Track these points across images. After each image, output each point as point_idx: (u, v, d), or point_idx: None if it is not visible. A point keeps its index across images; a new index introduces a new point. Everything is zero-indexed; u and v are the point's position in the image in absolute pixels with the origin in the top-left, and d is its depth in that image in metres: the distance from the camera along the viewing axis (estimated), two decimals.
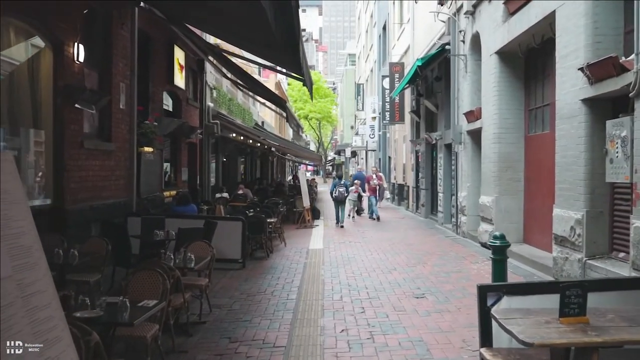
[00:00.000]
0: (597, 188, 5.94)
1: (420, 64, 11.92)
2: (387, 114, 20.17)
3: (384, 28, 24.55)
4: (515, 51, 8.80)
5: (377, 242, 10.84)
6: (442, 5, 11.74)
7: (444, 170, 13.11)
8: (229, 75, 14.17)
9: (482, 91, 9.97)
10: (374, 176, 16.33)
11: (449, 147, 12.70)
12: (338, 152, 55.91)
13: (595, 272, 5.68)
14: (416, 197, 17.06)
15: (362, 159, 38.57)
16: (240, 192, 14.94)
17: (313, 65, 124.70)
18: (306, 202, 14.25)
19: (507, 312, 2.80)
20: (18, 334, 2.01)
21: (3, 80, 5.92)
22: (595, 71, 5.55)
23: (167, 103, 11.94)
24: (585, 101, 5.98)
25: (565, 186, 6.46)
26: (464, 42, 11.01)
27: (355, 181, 15.62)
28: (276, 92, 13.49)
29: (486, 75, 9.61)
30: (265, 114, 30.28)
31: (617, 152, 5.13)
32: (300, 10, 6.61)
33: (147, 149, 9.66)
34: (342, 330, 4.99)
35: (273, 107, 16.77)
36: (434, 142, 13.92)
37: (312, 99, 9.55)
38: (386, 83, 20.26)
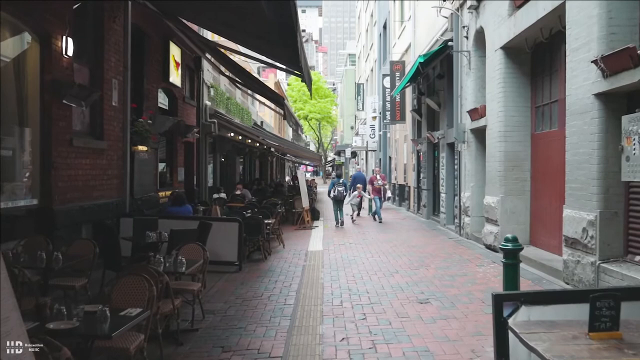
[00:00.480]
0: (611, 187, 5.64)
1: (422, 60, 11.62)
2: (388, 113, 19.87)
3: (385, 27, 24.27)
4: (522, 46, 8.50)
5: (378, 244, 10.53)
6: (444, 0, 11.45)
7: (447, 170, 12.80)
8: (226, 72, 13.89)
9: (486, 88, 9.67)
10: (378, 177, 15.66)
11: (451, 146, 12.40)
12: (338, 153, 55.55)
13: (610, 277, 5.37)
14: (417, 198, 16.75)
15: (362, 159, 38.27)
16: (238, 192, 14.63)
17: (313, 66, 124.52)
18: (305, 203, 13.94)
19: (527, 325, 2.50)
20: None
21: None
22: (611, 63, 5.25)
23: (163, 102, 11.65)
24: (599, 96, 5.68)
25: (576, 185, 6.16)
26: (467, 37, 10.71)
27: (358, 185, 15.20)
28: (276, 91, 13.17)
29: (491, 71, 9.31)
30: (264, 113, 30.00)
31: (634, 149, 4.82)
32: (300, 11, 6.33)
33: (141, 147, 9.37)
34: (343, 339, 4.68)
35: (272, 106, 16.47)
36: (436, 141, 13.62)
37: (311, 95, 9.27)
38: (387, 82, 19.97)
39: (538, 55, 8.49)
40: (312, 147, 63.12)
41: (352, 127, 47.51)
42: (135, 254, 7.03)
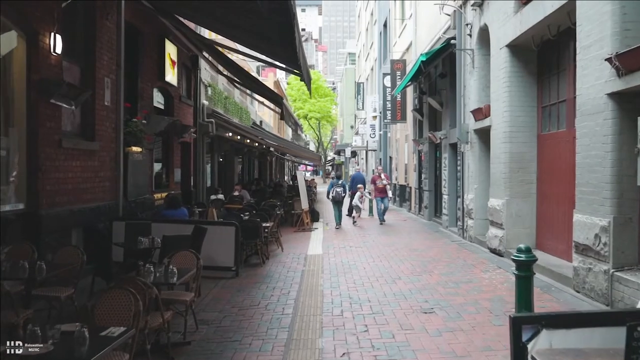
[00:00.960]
0: (625, 192, 5.36)
1: (424, 59, 11.34)
2: (389, 112, 19.59)
3: (385, 25, 23.99)
4: (528, 44, 8.23)
5: (379, 247, 10.26)
6: None
7: (449, 171, 12.53)
8: (224, 71, 13.62)
9: (491, 87, 9.40)
10: (382, 176, 14.85)
11: (454, 146, 12.12)
12: (338, 152, 55.26)
13: (624, 286, 5.10)
14: (419, 199, 16.48)
15: (362, 159, 37.98)
16: (236, 193, 14.36)
17: (313, 65, 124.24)
18: (305, 204, 13.66)
19: (552, 354, 2.22)
20: None
21: None
22: (626, 61, 4.97)
23: (159, 101, 11.37)
24: (613, 95, 5.40)
25: (587, 189, 5.88)
26: (470, 35, 10.43)
27: (359, 186, 14.87)
28: (275, 91, 12.90)
29: (495, 70, 9.03)
30: (263, 113, 29.71)
31: None
32: (299, 9, 6.10)
33: (135, 148, 9.08)
34: (343, 354, 4.41)
35: (272, 106, 16.19)
36: (438, 141, 13.34)
37: (310, 94, 8.97)
38: (387, 81, 19.69)
39: (545, 54, 8.22)
40: (312, 147, 62.84)
41: (352, 127, 47.21)
42: (127, 260, 6.76)
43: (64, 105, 6.58)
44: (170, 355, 4.41)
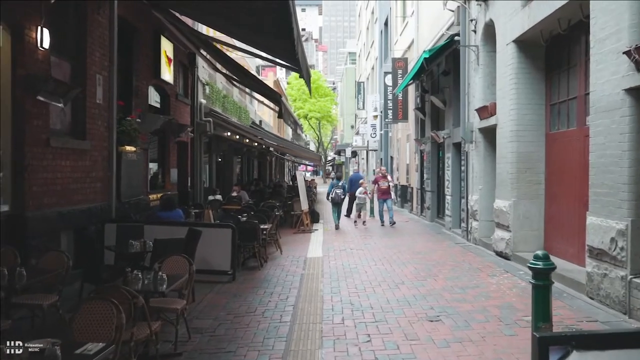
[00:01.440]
0: None
1: (427, 56, 11.03)
2: (390, 112, 19.28)
3: (386, 23, 23.69)
4: (536, 39, 7.92)
5: (381, 250, 9.95)
6: None
7: (452, 171, 12.22)
8: (221, 68, 13.31)
9: (497, 85, 9.09)
10: (389, 177, 14.33)
11: (457, 146, 11.82)
12: (338, 152, 54.97)
13: None
14: (421, 200, 16.16)
15: (363, 159, 37.68)
16: (235, 194, 14.06)
17: (313, 65, 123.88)
18: (304, 205, 13.35)
19: None
20: None
21: None
22: None
23: (155, 100, 11.08)
24: (630, 91, 5.10)
25: (602, 190, 5.58)
26: (475, 31, 10.12)
27: (361, 181, 14.51)
28: (272, 88, 12.55)
29: (502, 66, 8.72)
30: (263, 112, 29.42)
31: None
32: (299, 9, 5.81)
33: (129, 147, 8.78)
34: None
35: (271, 105, 15.88)
36: (441, 140, 13.03)
37: (310, 92, 8.71)
38: (388, 80, 19.37)
39: (554, 49, 7.91)
40: (312, 147, 62.53)
41: (352, 127, 46.90)
42: (118, 264, 6.47)
43: (52, 103, 6.28)
44: None
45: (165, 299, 4.82)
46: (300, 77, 7.64)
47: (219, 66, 13.35)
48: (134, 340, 3.71)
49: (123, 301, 3.63)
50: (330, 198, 14.26)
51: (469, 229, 10.58)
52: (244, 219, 9.34)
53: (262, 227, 8.90)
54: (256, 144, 19.14)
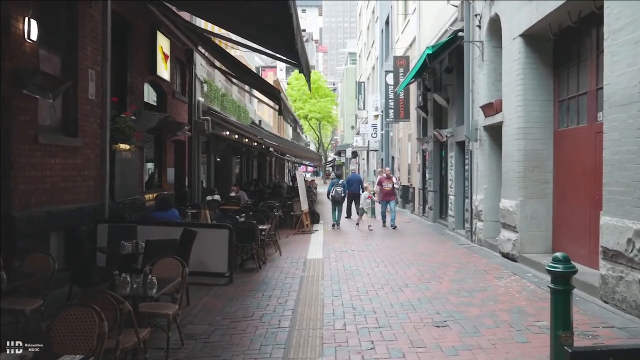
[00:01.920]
0: None
1: (430, 52, 10.75)
2: (391, 111, 19.01)
3: (387, 22, 23.45)
4: (544, 33, 7.64)
5: (383, 251, 9.67)
6: None
7: (456, 170, 11.94)
8: (218, 64, 13.03)
9: (502, 81, 8.81)
10: (394, 177, 13.87)
11: (461, 145, 11.54)
12: (338, 153, 54.68)
13: None
14: (423, 200, 15.89)
15: (364, 159, 37.40)
16: (233, 194, 13.78)
17: (313, 65, 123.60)
18: (304, 206, 13.08)
19: None
20: None
21: None
22: None
23: (152, 97, 10.81)
24: None
25: (618, 189, 5.30)
26: (480, 27, 9.85)
27: (367, 185, 14.24)
28: (271, 84, 12.21)
29: (508, 62, 8.45)
30: (263, 112, 29.15)
31: None
32: (299, 10, 5.56)
33: (123, 145, 8.52)
34: None
35: (271, 103, 15.60)
36: (444, 139, 12.75)
37: (310, 89, 8.48)
38: (390, 79, 19.11)
39: (562, 43, 7.64)
40: (312, 147, 62.24)
41: (352, 127, 46.65)
42: (109, 266, 6.19)
43: (40, 97, 6.01)
44: None
45: (156, 303, 4.55)
46: (300, 72, 7.37)
47: (217, 63, 13.09)
48: (120, 349, 3.44)
49: (108, 307, 3.36)
50: (330, 196, 14.28)
51: (474, 229, 10.29)
52: (242, 219, 9.07)
53: (260, 227, 8.62)
54: (256, 143, 18.87)
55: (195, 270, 6.78)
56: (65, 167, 6.83)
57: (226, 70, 12.11)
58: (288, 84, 51.34)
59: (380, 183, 13.71)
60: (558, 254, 3.31)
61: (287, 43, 5.86)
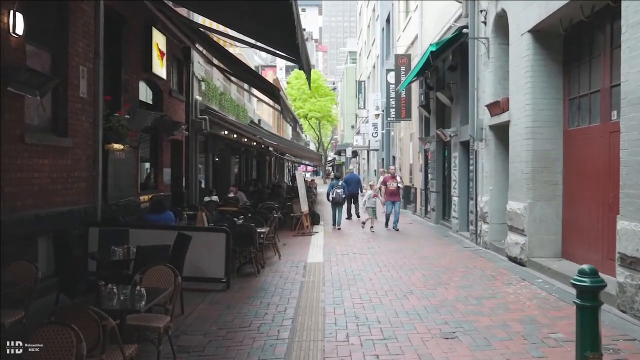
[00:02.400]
0: None
1: (434, 49, 10.46)
2: (392, 110, 18.71)
3: (388, 20, 23.14)
4: (555, 28, 7.35)
5: (386, 254, 9.37)
6: None
7: (460, 171, 11.64)
8: (216, 62, 12.72)
9: (510, 79, 8.51)
10: (398, 177, 13.45)
11: (465, 144, 11.24)
12: (338, 153, 54.39)
13: None
14: (425, 201, 15.60)
15: (364, 159, 37.10)
16: (232, 195, 13.49)
17: (313, 64, 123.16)
18: (304, 207, 12.78)
19: None
20: None
21: None
22: None
23: (148, 96, 10.51)
24: None
25: (637, 192, 5.01)
26: (485, 23, 9.55)
27: (371, 183, 13.91)
28: (270, 82, 11.85)
29: (516, 59, 8.15)
30: (262, 112, 28.84)
31: None
32: (299, 9, 5.29)
33: (116, 145, 8.23)
34: None
35: (271, 102, 15.30)
36: (447, 139, 12.45)
37: (309, 83, 8.18)
38: (391, 77, 18.80)
39: (573, 39, 7.34)
40: (312, 147, 61.94)
41: (352, 127, 46.35)
42: (100, 273, 5.89)
43: (26, 95, 5.71)
44: None
45: (146, 315, 4.24)
46: (300, 68, 7.08)
47: (215, 61, 12.78)
48: None
49: (89, 324, 3.07)
50: (330, 198, 14.12)
51: (478, 232, 10.00)
52: (240, 221, 8.77)
53: (259, 230, 8.32)
54: (255, 143, 18.56)
55: (190, 275, 6.50)
56: (55, 168, 6.53)
57: (224, 68, 11.79)
58: (288, 83, 51.03)
59: (384, 182, 13.22)
60: (585, 266, 3.01)
61: (288, 38, 5.58)
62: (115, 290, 3.78)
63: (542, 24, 7.30)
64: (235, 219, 9.03)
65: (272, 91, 8.96)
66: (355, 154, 40.37)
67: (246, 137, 15.83)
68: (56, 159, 6.57)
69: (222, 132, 14.27)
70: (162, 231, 6.84)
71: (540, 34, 7.58)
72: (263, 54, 7.80)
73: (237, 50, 17.24)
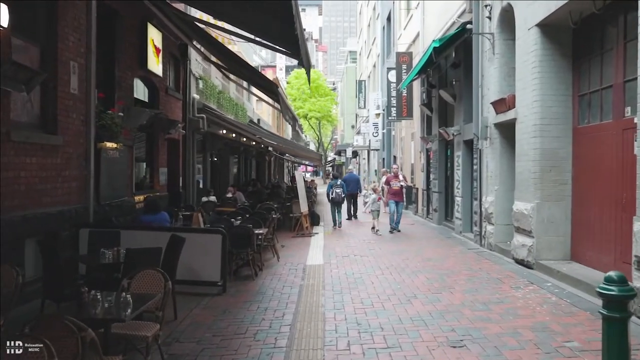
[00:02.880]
0: None
1: (437, 45, 10.18)
2: (394, 109, 18.43)
3: (388, 18, 22.87)
4: (564, 22, 7.07)
5: (387, 256, 9.09)
6: None
7: (463, 170, 11.36)
8: (214, 59, 12.46)
9: (516, 75, 8.24)
10: (401, 176, 13.07)
11: (469, 143, 10.97)
12: (338, 153, 54.06)
13: None
14: (427, 201, 15.32)
15: (364, 159, 36.81)
16: (230, 195, 13.23)
17: (313, 64, 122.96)
18: (304, 207, 12.51)
19: None
20: None
21: None
22: None
23: (144, 94, 10.24)
24: None
25: None
26: (490, 18, 9.28)
27: (374, 184, 13.66)
28: (268, 78, 11.52)
29: (523, 54, 7.88)
30: (262, 111, 28.57)
31: None
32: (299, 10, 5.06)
33: (109, 144, 7.98)
34: None
35: (270, 101, 15.03)
36: (450, 138, 12.17)
37: (309, 79, 7.96)
38: (392, 76, 18.52)
39: (583, 33, 7.07)
40: (312, 147, 61.64)
41: (353, 126, 46.05)
42: (88, 276, 5.63)
43: (12, 90, 5.44)
44: None
45: (134, 322, 3.97)
46: (299, 64, 6.82)
47: (213, 58, 12.52)
48: None
49: (67, 335, 2.80)
50: (330, 198, 14.04)
51: (483, 233, 9.72)
52: (238, 223, 8.50)
53: (257, 232, 8.05)
54: (254, 143, 18.29)
55: (185, 278, 6.24)
56: (43, 167, 6.27)
57: (222, 65, 11.53)
58: (287, 82, 50.79)
59: (388, 182, 12.85)
60: (612, 273, 2.74)
61: (287, 29, 5.32)
62: (99, 297, 3.51)
63: (550, 17, 7.03)
64: (233, 219, 8.76)
65: (270, 88, 8.70)
66: (355, 154, 40.07)
67: (245, 136, 15.56)
68: (45, 157, 6.31)
69: (221, 131, 14.01)
70: (156, 232, 6.59)
71: (548, 28, 7.31)
72: (263, 53, 7.64)
73: (236, 48, 16.97)
